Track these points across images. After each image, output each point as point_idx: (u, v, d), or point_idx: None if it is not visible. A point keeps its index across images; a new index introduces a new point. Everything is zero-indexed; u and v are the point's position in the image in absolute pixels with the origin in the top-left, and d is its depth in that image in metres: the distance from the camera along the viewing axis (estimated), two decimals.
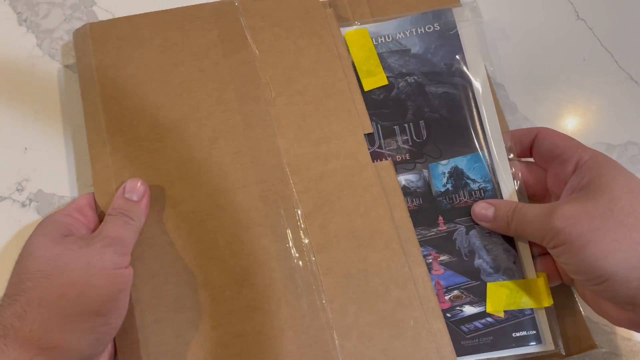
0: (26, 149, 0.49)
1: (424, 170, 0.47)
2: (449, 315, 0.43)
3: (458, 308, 0.44)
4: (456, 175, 0.47)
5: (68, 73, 0.52)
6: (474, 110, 0.48)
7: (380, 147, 0.48)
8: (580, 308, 0.44)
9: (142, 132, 0.45)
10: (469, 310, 0.43)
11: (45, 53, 0.53)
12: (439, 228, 0.46)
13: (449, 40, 0.50)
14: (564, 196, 0.41)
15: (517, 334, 0.43)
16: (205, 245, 0.43)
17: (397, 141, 0.48)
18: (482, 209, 0.44)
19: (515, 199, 0.45)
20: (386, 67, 0.50)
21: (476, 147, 0.47)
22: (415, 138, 0.48)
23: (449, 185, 0.47)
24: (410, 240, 0.44)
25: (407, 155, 0.48)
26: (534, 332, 0.43)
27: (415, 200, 0.46)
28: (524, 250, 0.45)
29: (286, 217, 0.44)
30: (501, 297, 0.43)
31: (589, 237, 0.36)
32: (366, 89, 0.50)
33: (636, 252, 0.35)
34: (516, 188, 0.46)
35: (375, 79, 0.50)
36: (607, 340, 0.45)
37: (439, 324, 0.42)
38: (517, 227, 0.42)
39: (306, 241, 0.43)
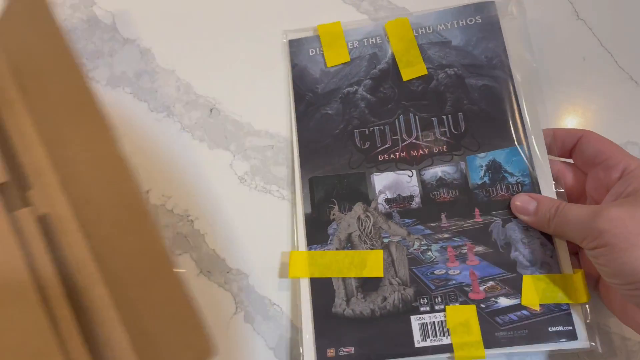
0: None
1: (461, 162, 0.47)
2: (483, 306, 0.43)
3: (493, 299, 0.43)
4: (494, 168, 0.47)
5: None
6: (515, 104, 0.48)
7: (417, 138, 0.48)
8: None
9: None
10: (503, 302, 0.43)
11: None
12: (475, 220, 0.46)
13: (491, 33, 0.50)
14: (606, 201, 0.41)
15: (553, 329, 0.42)
16: None
17: (434, 133, 0.48)
18: (524, 202, 0.44)
19: (554, 196, 0.45)
20: (426, 59, 0.50)
21: (515, 141, 0.47)
22: (453, 130, 0.48)
23: (486, 178, 0.46)
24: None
25: (445, 147, 0.48)
26: (570, 327, 0.42)
27: (452, 192, 0.47)
28: (561, 245, 0.44)
29: None
30: (537, 291, 0.43)
31: (633, 241, 0.36)
32: (405, 79, 0.50)
33: None
34: (555, 186, 0.45)
35: (415, 69, 0.50)
36: (607, 340, 0.44)
37: None
38: (557, 225, 0.41)
39: None
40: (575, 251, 0.44)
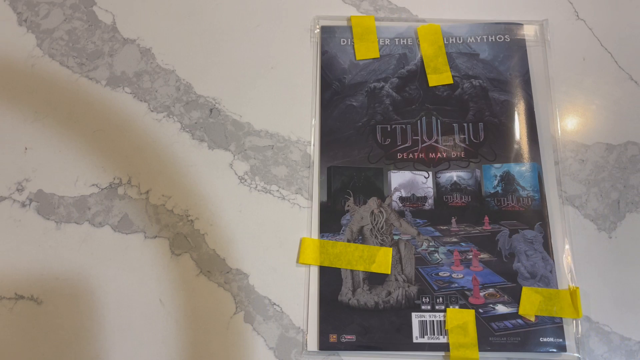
0: (26, 149, 0.50)
1: (476, 170, 0.49)
2: (481, 310, 0.45)
3: (491, 305, 0.45)
4: (507, 180, 0.48)
5: (67, 73, 0.53)
6: (533, 124, 0.50)
7: (437, 141, 0.50)
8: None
9: None
10: (501, 309, 0.45)
11: (45, 53, 0.54)
12: (484, 227, 0.47)
13: (518, 53, 0.52)
14: None
15: (544, 340, 0.44)
16: None
17: (454, 138, 0.50)
18: None
19: (561, 214, 0.47)
20: (453, 67, 0.52)
21: (530, 158, 0.49)
22: (472, 138, 0.50)
23: (499, 188, 0.48)
24: None
25: (462, 153, 0.49)
26: (561, 340, 0.44)
27: (465, 198, 0.48)
28: (561, 261, 0.46)
29: None
30: (534, 302, 0.45)
31: None
32: (431, 84, 0.51)
33: None
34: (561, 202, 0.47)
35: (441, 76, 0.51)
36: (606, 340, 0.46)
37: None
38: None
39: None
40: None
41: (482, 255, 0.46)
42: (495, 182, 0.48)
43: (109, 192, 0.49)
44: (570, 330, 0.45)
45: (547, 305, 0.45)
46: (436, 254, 0.47)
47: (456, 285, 0.46)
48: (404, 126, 0.50)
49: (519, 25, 0.53)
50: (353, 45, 0.53)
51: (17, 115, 0.51)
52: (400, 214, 0.48)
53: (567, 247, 0.47)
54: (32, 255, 0.47)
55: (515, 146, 0.49)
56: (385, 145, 0.50)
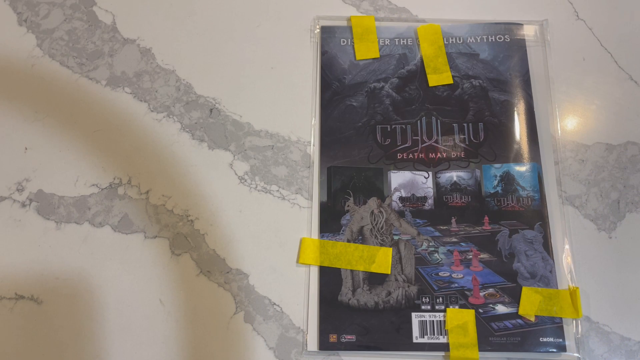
0: (26, 149, 0.50)
1: (476, 170, 0.49)
2: (481, 310, 0.45)
3: (491, 305, 0.45)
4: (507, 180, 0.48)
5: (67, 73, 0.53)
6: (532, 124, 0.50)
7: (437, 142, 0.50)
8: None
9: None
10: (501, 309, 0.45)
11: (45, 53, 0.54)
12: (484, 227, 0.47)
13: (518, 53, 0.52)
14: None
15: (544, 340, 0.44)
16: None
17: (454, 138, 0.50)
18: None
19: (561, 214, 0.47)
20: (453, 67, 0.52)
21: (530, 158, 0.49)
22: (472, 138, 0.50)
23: (499, 188, 0.48)
24: None
25: (462, 153, 0.49)
26: (560, 340, 0.44)
27: (464, 198, 0.48)
28: (561, 262, 0.46)
29: None
30: (534, 302, 0.45)
31: None
32: (431, 84, 0.51)
33: None
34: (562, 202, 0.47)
35: (441, 76, 0.51)
36: (606, 340, 0.46)
37: None
38: None
39: None
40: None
41: (482, 255, 0.46)
42: (495, 182, 0.48)
43: (109, 192, 0.49)
44: (570, 330, 0.45)
45: (547, 305, 0.45)
46: (436, 254, 0.47)
47: (456, 285, 0.46)
48: (404, 126, 0.50)
49: (519, 25, 0.53)
50: (353, 45, 0.53)
51: (17, 115, 0.51)
52: (400, 214, 0.48)
53: (567, 247, 0.47)
54: (32, 255, 0.47)
55: (515, 146, 0.49)
56: (385, 145, 0.50)
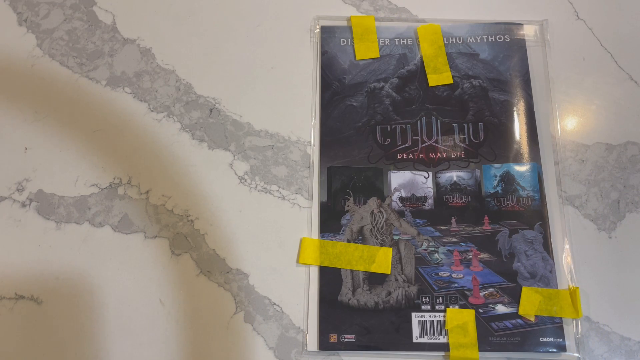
0: (26, 149, 0.50)
1: (476, 170, 0.49)
2: (481, 310, 0.45)
3: (491, 305, 0.45)
4: (507, 180, 0.48)
5: (67, 73, 0.53)
6: (532, 124, 0.50)
7: (437, 142, 0.50)
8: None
9: None
10: (501, 309, 0.45)
11: (45, 53, 0.54)
12: (484, 227, 0.47)
13: (518, 53, 0.52)
14: None
15: (544, 340, 0.44)
16: None
17: (454, 138, 0.50)
18: None
19: (561, 214, 0.47)
20: (453, 67, 0.52)
21: (529, 158, 0.49)
22: (472, 138, 0.50)
23: (499, 188, 0.48)
24: None
25: (462, 153, 0.49)
26: (560, 340, 0.44)
27: (464, 198, 0.48)
28: (561, 262, 0.46)
29: None
30: (534, 302, 0.45)
31: None
32: (431, 84, 0.51)
33: None
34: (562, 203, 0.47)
35: (441, 76, 0.51)
36: (606, 340, 0.46)
37: None
38: None
39: None
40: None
41: (482, 255, 0.46)
42: (495, 182, 0.48)
43: (109, 192, 0.49)
44: (570, 330, 0.45)
45: (547, 305, 0.45)
46: (436, 254, 0.47)
47: (456, 285, 0.46)
48: (403, 126, 0.50)
49: (519, 25, 0.53)
50: (353, 45, 0.53)
51: (17, 115, 0.51)
52: (400, 214, 0.48)
53: (566, 247, 0.47)
54: (32, 255, 0.47)
55: (515, 146, 0.49)
56: (385, 145, 0.50)
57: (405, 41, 0.53)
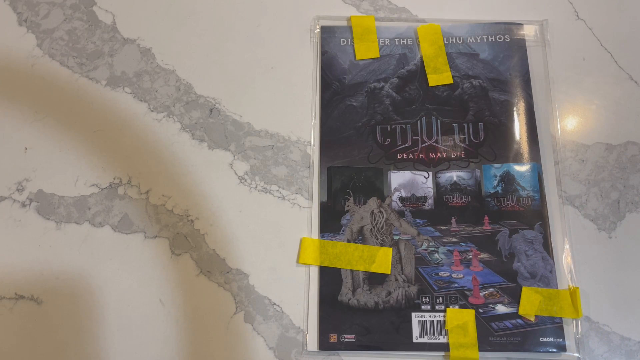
0: (26, 149, 0.50)
1: (476, 170, 0.49)
2: (481, 310, 0.45)
3: (491, 305, 0.45)
4: (507, 180, 0.48)
5: (67, 73, 0.53)
6: (532, 124, 0.50)
7: (437, 141, 0.50)
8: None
9: None
10: (501, 309, 0.45)
11: (45, 53, 0.54)
12: (484, 227, 0.47)
13: (518, 53, 0.52)
14: None
15: (544, 340, 0.44)
16: None
17: (454, 138, 0.50)
18: None
19: (561, 214, 0.47)
20: (453, 67, 0.52)
21: (530, 158, 0.49)
22: (472, 138, 0.50)
23: (499, 188, 0.48)
24: None
25: (462, 153, 0.49)
26: (560, 340, 0.44)
27: (464, 198, 0.48)
28: (561, 261, 0.46)
29: None
30: (534, 302, 0.45)
31: None
32: (431, 84, 0.51)
33: None
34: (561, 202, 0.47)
35: (441, 76, 0.51)
36: (606, 340, 0.46)
37: None
38: None
39: None
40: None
41: (482, 255, 0.46)
42: (495, 182, 0.48)
43: (109, 192, 0.49)
44: (570, 330, 0.45)
45: (547, 306, 0.45)
46: (436, 254, 0.47)
47: (456, 285, 0.46)
48: (403, 126, 0.50)
49: (519, 25, 0.53)
50: (353, 45, 0.53)
51: (17, 115, 0.51)
52: (400, 214, 0.48)
53: (567, 247, 0.47)
54: (32, 255, 0.47)
55: (515, 146, 0.49)
56: (385, 145, 0.50)
57: (405, 41, 0.53)
